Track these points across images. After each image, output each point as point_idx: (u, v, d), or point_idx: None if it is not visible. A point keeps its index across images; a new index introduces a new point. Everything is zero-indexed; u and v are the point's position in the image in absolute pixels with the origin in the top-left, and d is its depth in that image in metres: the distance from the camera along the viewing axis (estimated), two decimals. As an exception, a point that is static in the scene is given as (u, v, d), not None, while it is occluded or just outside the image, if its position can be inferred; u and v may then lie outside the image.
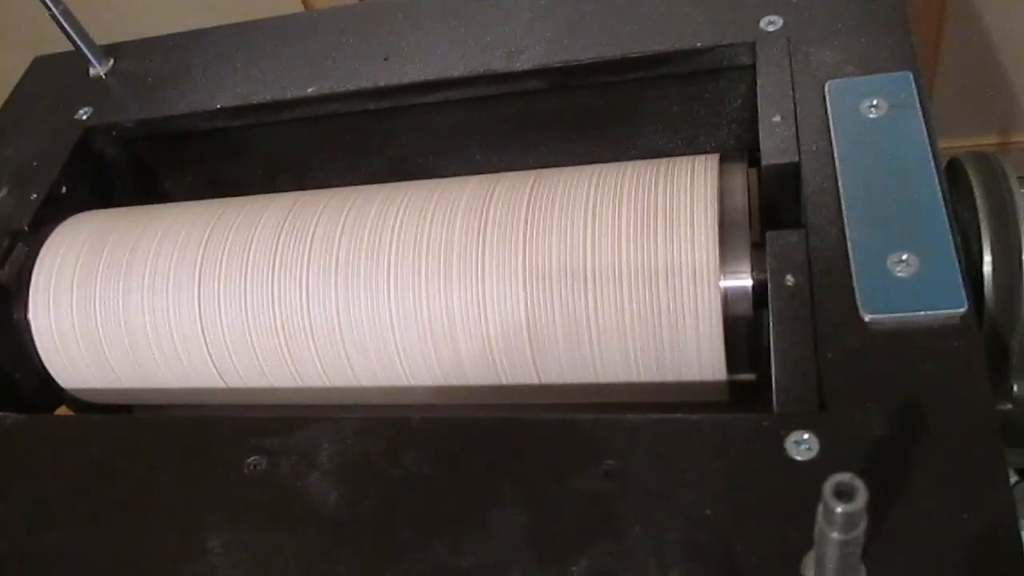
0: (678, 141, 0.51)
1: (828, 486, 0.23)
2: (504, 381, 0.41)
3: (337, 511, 0.34)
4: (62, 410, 0.53)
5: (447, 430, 0.35)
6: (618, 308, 0.38)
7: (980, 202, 0.37)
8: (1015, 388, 0.41)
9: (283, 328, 0.43)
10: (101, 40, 0.59)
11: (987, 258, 0.36)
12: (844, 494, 0.23)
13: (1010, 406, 0.42)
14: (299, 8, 0.88)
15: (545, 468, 0.33)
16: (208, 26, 0.59)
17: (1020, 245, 0.36)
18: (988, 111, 0.87)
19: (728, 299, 0.37)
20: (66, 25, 0.56)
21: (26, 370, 0.50)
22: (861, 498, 0.23)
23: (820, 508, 0.24)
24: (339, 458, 0.35)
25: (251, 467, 0.36)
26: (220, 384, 0.46)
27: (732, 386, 0.40)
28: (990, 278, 0.36)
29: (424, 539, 0.32)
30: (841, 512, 0.23)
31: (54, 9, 0.55)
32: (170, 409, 0.51)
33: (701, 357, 0.38)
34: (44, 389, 0.50)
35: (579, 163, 0.45)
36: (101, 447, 0.40)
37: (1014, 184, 0.37)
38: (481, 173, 0.45)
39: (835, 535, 0.24)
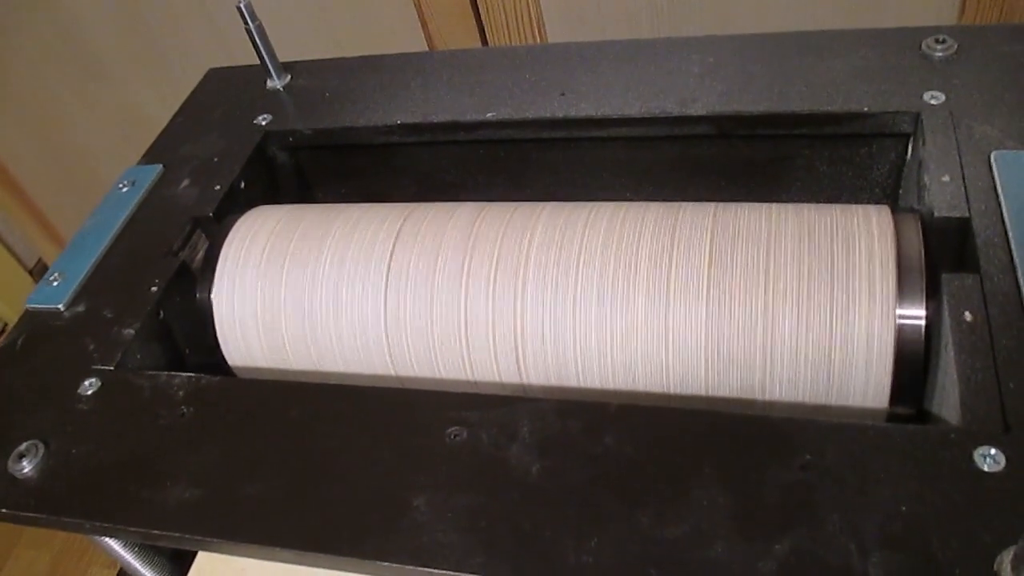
0: (821, 199, 0.55)
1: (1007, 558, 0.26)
2: (673, 391, 0.44)
3: (540, 480, 0.37)
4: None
5: (645, 417, 0.38)
6: (794, 335, 0.41)
7: None
8: None
9: (465, 325, 0.46)
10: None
11: None
12: None
13: None
14: (423, 47, 0.94)
15: (743, 456, 0.36)
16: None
17: None
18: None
19: (903, 334, 0.40)
20: (258, 40, 0.62)
21: (197, 346, 0.53)
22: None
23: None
24: (539, 434, 0.38)
25: (452, 436, 0.39)
26: (390, 372, 0.49)
27: (889, 418, 0.43)
28: None
29: (628, 510, 0.35)
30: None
31: (251, 24, 0.61)
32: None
33: (868, 386, 0.41)
34: (208, 366, 0.53)
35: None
36: (300, 410, 0.43)
37: None
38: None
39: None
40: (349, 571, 0.38)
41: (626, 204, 0.48)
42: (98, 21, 1.20)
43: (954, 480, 0.34)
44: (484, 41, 0.91)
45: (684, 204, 0.47)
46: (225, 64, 0.70)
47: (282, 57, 0.64)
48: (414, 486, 0.38)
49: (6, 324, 1.69)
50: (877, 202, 0.54)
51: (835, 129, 0.50)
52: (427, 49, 0.94)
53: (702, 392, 0.44)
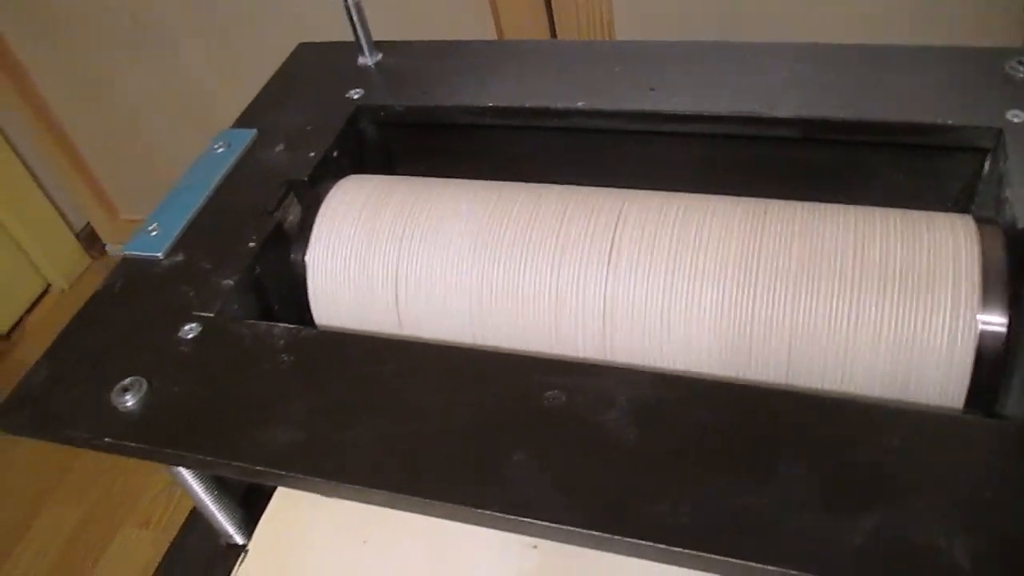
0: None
1: None
2: (756, 377, 0.46)
3: (636, 444, 0.39)
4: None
5: (737, 393, 0.40)
6: (877, 333, 0.43)
7: None
8: None
9: (555, 297, 0.48)
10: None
11: None
12: None
13: None
14: (494, 37, 0.96)
15: (828, 435, 0.38)
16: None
17: None
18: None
19: (983, 339, 0.42)
20: (355, 16, 0.64)
21: (287, 304, 0.55)
22: None
23: None
24: (637, 402, 0.40)
25: (550, 399, 0.41)
26: (472, 340, 0.51)
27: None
28: None
29: (718, 479, 0.37)
30: None
31: (350, 1, 0.63)
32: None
33: (946, 388, 0.43)
34: (296, 324, 0.55)
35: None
36: (396, 364, 0.45)
37: None
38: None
39: None
40: (436, 516, 0.40)
41: (717, 196, 0.50)
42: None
43: (1034, 471, 0.35)
44: (554, 36, 0.93)
45: (772, 200, 0.49)
46: (283, 38, 0.72)
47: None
48: (511, 443, 0.40)
49: (49, 285, 1.72)
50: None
51: (917, 139, 0.52)
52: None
53: (783, 380, 0.46)
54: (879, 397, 0.44)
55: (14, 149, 1.57)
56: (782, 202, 0.48)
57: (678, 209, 0.49)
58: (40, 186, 1.62)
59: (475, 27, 0.96)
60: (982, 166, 0.53)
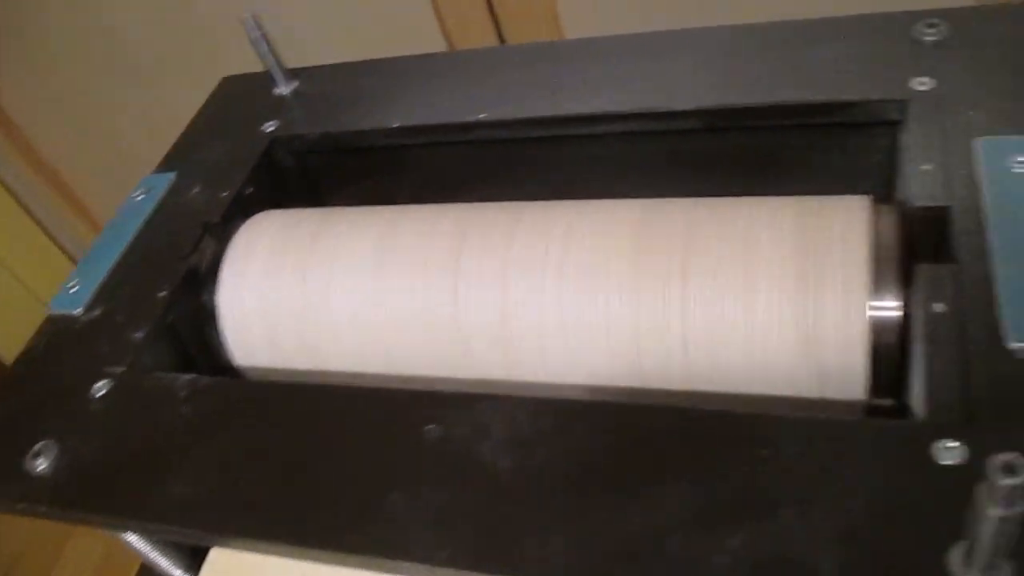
0: (818, 189, 0.55)
1: (994, 461, 0.26)
2: (652, 386, 0.44)
3: (510, 476, 0.38)
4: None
5: (612, 414, 0.39)
6: (771, 329, 0.41)
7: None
8: None
9: (454, 322, 0.47)
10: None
11: None
12: (1009, 469, 0.26)
13: None
14: (443, 46, 0.95)
15: (703, 451, 0.36)
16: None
17: None
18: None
19: (876, 326, 0.40)
20: (261, 48, 0.63)
21: (206, 348, 0.55)
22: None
23: (982, 487, 0.27)
24: (512, 432, 0.39)
25: (428, 433, 0.41)
26: (388, 371, 0.50)
27: (869, 410, 0.42)
28: None
29: (590, 505, 0.36)
30: (1005, 485, 0.26)
31: (255, 34, 0.62)
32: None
33: (844, 379, 0.41)
34: (218, 368, 0.55)
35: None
36: (289, 410, 0.44)
37: None
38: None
39: (994, 511, 0.27)
40: (335, 564, 0.40)
41: (606, 201, 0.48)
42: (138, 24, 1.24)
43: (912, 475, 0.34)
44: (500, 36, 0.92)
45: (662, 200, 0.47)
46: (258, 69, 0.72)
47: (302, 60, 0.66)
48: (390, 482, 0.39)
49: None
50: (873, 191, 0.54)
51: (823, 119, 0.50)
52: (446, 48, 0.95)
53: (682, 387, 0.44)
54: (781, 396, 0.43)
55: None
56: (672, 201, 0.47)
57: (568, 220, 0.47)
58: (33, 218, 1.65)
59: (425, 37, 0.95)
60: (896, 140, 0.51)
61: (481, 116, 0.56)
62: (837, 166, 0.53)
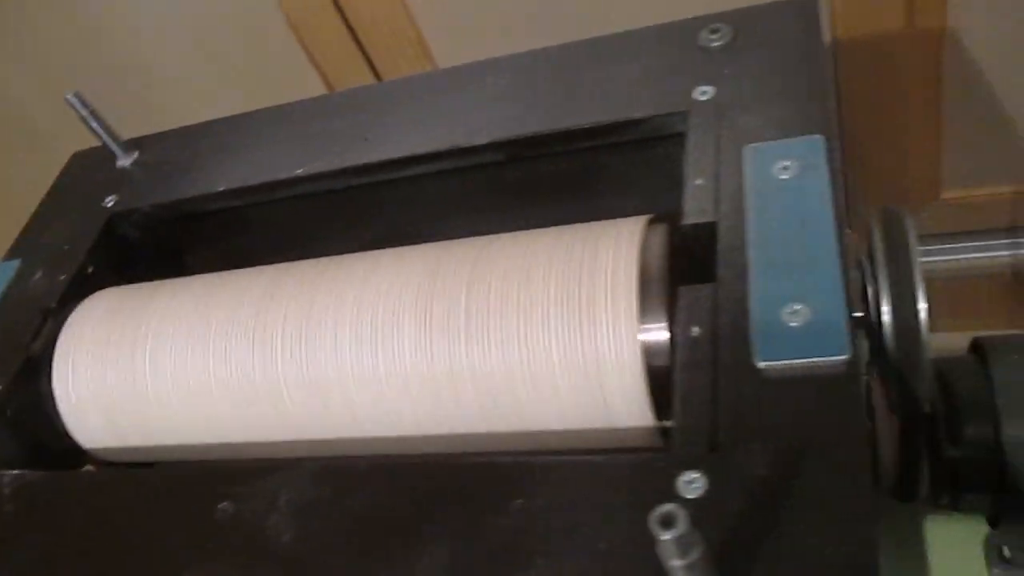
0: (638, 202, 0.55)
1: (653, 518, 0.26)
2: (443, 432, 0.45)
3: (291, 548, 0.38)
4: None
5: (388, 470, 0.39)
6: (547, 362, 0.41)
7: (880, 255, 0.39)
8: (967, 431, 0.43)
9: (277, 385, 0.47)
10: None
11: (885, 307, 0.39)
12: (668, 522, 0.26)
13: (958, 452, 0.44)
14: (323, 90, 0.95)
15: (466, 505, 0.37)
16: (233, 113, 0.66)
17: (914, 294, 0.38)
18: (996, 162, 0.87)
19: (648, 350, 0.40)
20: (92, 124, 0.64)
21: (52, 434, 0.55)
22: (683, 524, 0.26)
23: (657, 543, 0.27)
24: (296, 501, 0.40)
25: (221, 511, 0.41)
26: (211, 439, 0.50)
27: (665, 432, 0.42)
28: (889, 326, 0.38)
29: (365, 568, 0.36)
30: (669, 539, 0.26)
31: (83, 111, 0.63)
32: (176, 463, 0.56)
33: (630, 407, 0.41)
34: (69, 452, 0.56)
35: (547, 226, 0.49)
36: (101, 500, 0.45)
37: (911, 238, 0.39)
38: (461, 238, 0.50)
39: (675, 562, 0.27)
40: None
41: (404, 249, 0.48)
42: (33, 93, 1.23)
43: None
44: (374, 70, 0.92)
45: (458, 242, 0.47)
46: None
47: (184, 119, 0.67)
48: (183, 564, 0.40)
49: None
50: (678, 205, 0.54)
51: (617, 138, 0.50)
52: (325, 90, 0.95)
53: (487, 429, 0.44)
54: (574, 430, 0.43)
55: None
56: (467, 242, 0.47)
57: (364, 272, 0.47)
58: None
59: (303, 80, 0.95)
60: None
61: (298, 171, 0.56)
62: (646, 183, 0.53)
